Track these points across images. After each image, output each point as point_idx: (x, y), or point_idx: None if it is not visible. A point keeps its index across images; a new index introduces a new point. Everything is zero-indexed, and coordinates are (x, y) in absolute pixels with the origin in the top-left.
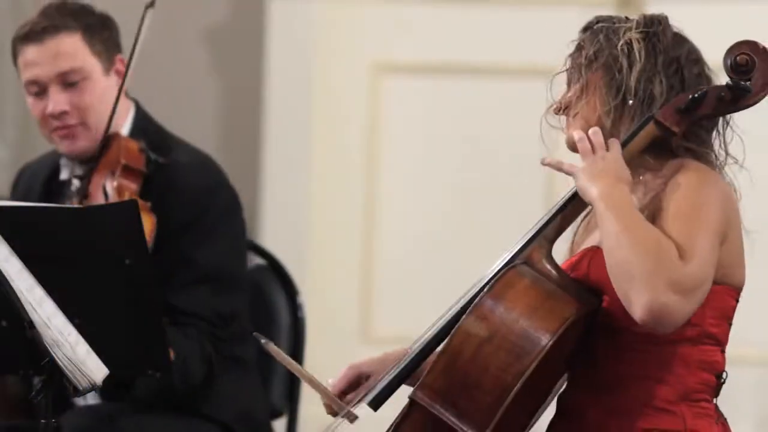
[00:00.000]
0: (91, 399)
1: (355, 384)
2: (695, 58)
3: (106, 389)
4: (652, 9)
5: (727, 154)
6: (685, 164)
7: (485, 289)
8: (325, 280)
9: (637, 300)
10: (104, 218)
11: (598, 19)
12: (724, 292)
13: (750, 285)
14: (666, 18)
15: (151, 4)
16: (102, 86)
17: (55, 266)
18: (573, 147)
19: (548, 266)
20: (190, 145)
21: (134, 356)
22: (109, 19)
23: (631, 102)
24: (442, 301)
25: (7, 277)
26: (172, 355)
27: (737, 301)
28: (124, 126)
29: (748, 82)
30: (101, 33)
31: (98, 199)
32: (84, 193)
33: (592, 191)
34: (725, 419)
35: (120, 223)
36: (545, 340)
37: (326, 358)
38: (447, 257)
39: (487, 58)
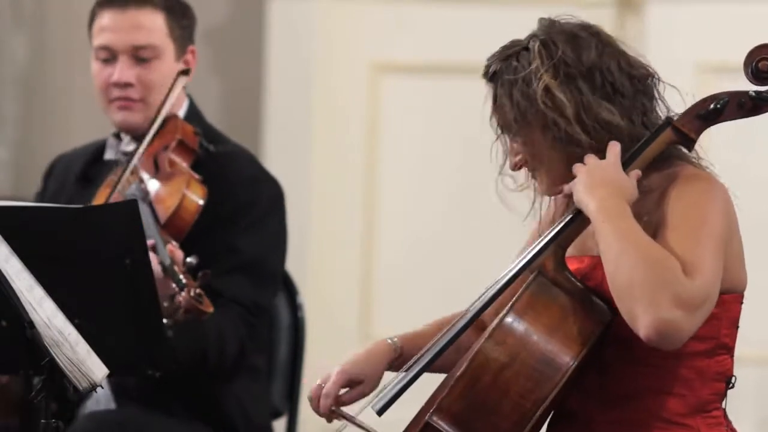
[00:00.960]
0: (105, 404)
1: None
2: (604, 48)
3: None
4: (652, 9)
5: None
6: (684, 171)
7: (503, 312)
8: (325, 280)
9: (642, 317)
10: (104, 218)
11: (496, 64)
12: (734, 300)
13: (750, 285)
14: (556, 26)
15: (185, 72)
16: (171, 69)
17: (55, 266)
18: (549, 194)
19: (562, 275)
20: (233, 141)
21: (134, 356)
22: (190, 8)
23: (582, 141)
24: (441, 301)
25: (7, 277)
26: (211, 309)
27: (742, 303)
28: (179, 113)
29: None
30: (181, 20)
31: (148, 170)
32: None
33: (589, 204)
34: (732, 424)
35: (120, 223)
36: (566, 365)
37: (326, 358)
38: (446, 257)
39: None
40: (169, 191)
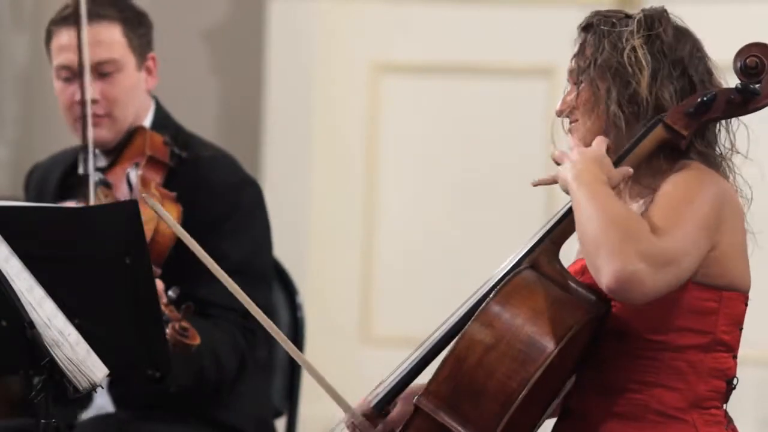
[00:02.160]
0: (105, 405)
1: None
2: (699, 55)
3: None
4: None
5: (732, 146)
6: (687, 164)
7: (491, 295)
8: (325, 280)
9: (606, 267)
10: (104, 218)
11: (598, 17)
12: (737, 299)
13: (753, 286)
14: (666, 13)
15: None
16: (133, 81)
17: (55, 266)
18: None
19: (555, 270)
20: (207, 141)
21: (134, 356)
22: (145, 15)
23: (640, 110)
24: (441, 300)
25: (7, 277)
26: (197, 341)
27: (746, 304)
28: (145, 120)
29: (757, 85)
30: (138, 28)
31: (121, 190)
32: (106, 183)
33: (567, 177)
34: (734, 425)
35: (120, 223)
36: (551, 347)
37: (326, 358)
38: (447, 257)
39: (487, 58)
40: (143, 216)
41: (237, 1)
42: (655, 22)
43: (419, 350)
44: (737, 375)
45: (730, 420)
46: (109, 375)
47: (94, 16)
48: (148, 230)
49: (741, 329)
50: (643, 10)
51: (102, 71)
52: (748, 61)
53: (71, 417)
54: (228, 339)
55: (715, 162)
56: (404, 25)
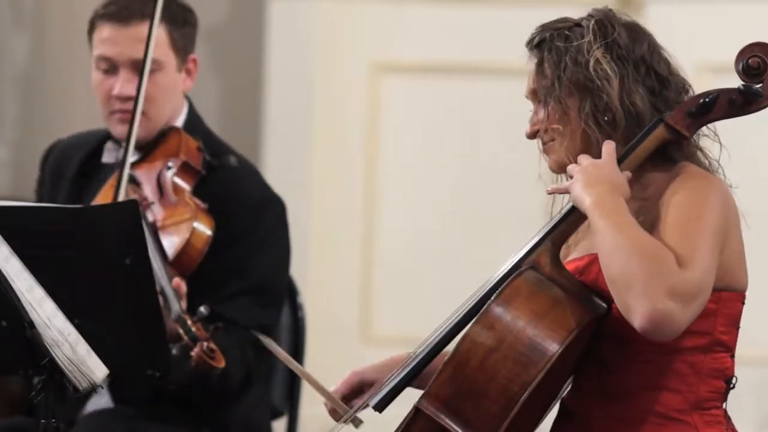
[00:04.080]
0: (105, 403)
1: (358, 390)
2: (655, 48)
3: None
4: (652, 9)
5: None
6: (685, 169)
7: (492, 297)
8: (325, 280)
9: (637, 308)
10: (104, 218)
11: (549, 32)
12: (735, 299)
13: (750, 285)
14: (613, 14)
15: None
16: (172, 81)
17: (55, 266)
18: (557, 170)
19: (556, 271)
20: (232, 149)
21: (134, 356)
22: (191, 13)
23: (616, 118)
24: (441, 300)
25: (7, 277)
26: (222, 364)
27: (744, 303)
28: (178, 121)
29: (759, 86)
30: (183, 28)
31: (149, 188)
32: (133, 180)
33: (585, 201)
34: (733, 424)
35: (120, 223)
36: (553, 349)
37: (326, 358)
38: (447, 257)
39: (487, 58)
40: (176, 226)
41: (237, 1)
42: (608, 26)
43: (420, 350)
44: (736, 374)
45: (729, 420)
46: (108, 375)
47: (140, 15)
48: (181, 240)
49: (738, 328)
50: (591, 16)
51: (141, 68)
52: (750, 61)
53: (71, 413)
54: (237, 352)
55: (701, 160)
56: (404, 25)
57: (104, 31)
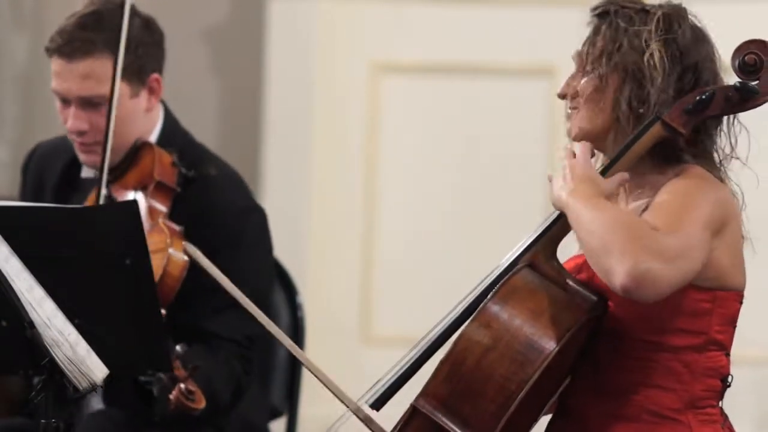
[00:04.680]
0: (97, 404)
1: None
2: (711, 59)
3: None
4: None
5: (733, 149)
6: (687, 168)
7: (489, 296)
8: (325, 280)
9: (618, 268)
10: (104, 218)
11: (615, 6)
12: (731, 298)
13: (750, 285)
14: (685, 12)
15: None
16: (126, 110)
17: (55, 266)
18: (574, 138)
19: (553, 268)
20: (214, 155)
21: (134, 356)
22: (149, 29)
23: (648, 110)
24: (441, 300)
25: (7, 277)
26: (202, 404)
27: (741, 303)
28: (153, 133)
29: (756, 83)
30: (136, 51)
31: None
32: (111, 199)
33: (562, 196)
34: (730, 422)
35: (120, 223)
36: (549, 348)
37: (326, 358)
38: (447, 257)
39: (487, 58)
40: (151, 255)
41: (237, 1)
42: (674, 22)
43: (417, 348)
44: (732, 373)
45: (726, 418)
46: (109, 375)
47: (83, 51)
48: (157, 268)
49: (735, 327)
50: (661, 7)
51: (93, 102)
52: (746, 58)
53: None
54: (224, 370)
55: (714, 166)
56: (404, 25)
57: (54, 64)
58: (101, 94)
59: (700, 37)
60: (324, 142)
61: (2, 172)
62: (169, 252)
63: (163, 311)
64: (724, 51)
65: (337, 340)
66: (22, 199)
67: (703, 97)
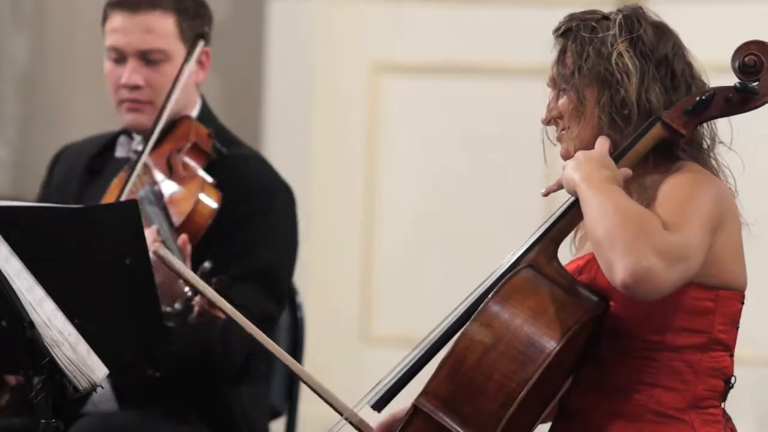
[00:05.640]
0: (106, 405)
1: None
2: (680, 50)
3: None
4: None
5: (715, 136)
6: (684, 166)
7: (490, 295)
8: (325, 280)
9: (620, 263)
10: (104, 218)
11: (576, 22)
12: (733, 297)
13: (750, 285)
14: (642, 10)
15: (202, 36)
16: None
17: (55, 266)
18: (568, 157)
19: (554, 269)
20: (244, 143)
21: (134, 356)
22: (204, 6)
23: (631, 113)
24: (441, 300)
25: (7, 277)
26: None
27: (743, 303)
28: (192, 113)
29: (756, 84)
30: (193, 20)
31: (162, 171)
32: (144, 165)
33: (575, 178)
34: (732, 423)
35: (120, 223)
36: (550, 347)
37: (326, 358)
38: (447, 257)
39: (487, 58)
40: (183, 195)
41: (237, 1)
42: (635, 22)
43: (418, 349)
44: (735, 374)
45: (728, 419)
46: (109, 375)
47: (149, 4)
48: (187, 207)
49: (737, 328)
50: (620, 11)
51: (150, 59)
52: (746, 59)
53: (75, 408)
54: (239, 333)
55: (707, 161)
56: (404, 25)
57: (115, 20)
58: (162, 49)
59: (663, 31)
60: (324, 142)
61: (2, 172)
62: (199, 195)
63: (188, 242)
64: (724, 51)
65: (337, 340)
66: (44, 194)
67: (703, 97)
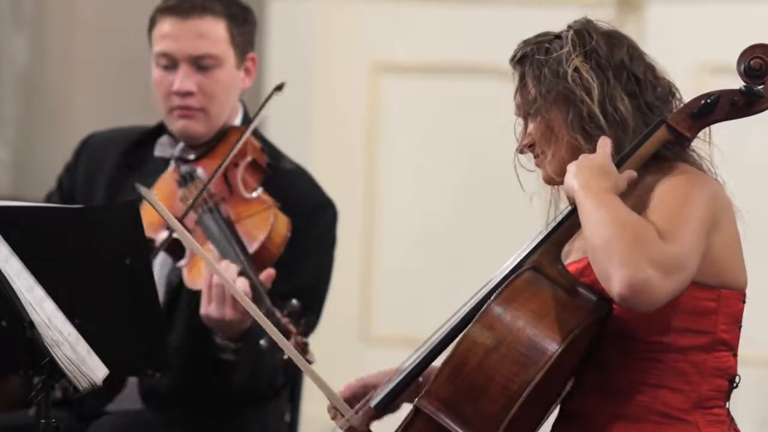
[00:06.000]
0: (132, 403)
1: (361, 396)
2: (636, 53)
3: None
4: (652, 9)
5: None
6: (676, 167)
7: (492, 297)
8: None
9: (617, 274)
10: (105, 218)
11: (530, 47)
12: (735, 297)
13: (750, 285)
14: (592, 24)
15: (280, 88)
16: (231, 77)
17: (55, 266)
18: (550, 181)
19: (557, 271)
20: (286, 155)
21: (134, 356)
22: (251, 13)
23: (602, 124)
24: (441, 301)
25: (7, 277)
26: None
27: (744, 302)
28: (235, 121)
29: (761, 87)
30: (243, 26)
31: (220, 191)
32: (194, 176)
33: (574, 186)
34: (736, 424)
35: (120, 223)
36: (552, 349)
37: (326, 358)
38: (447, 257)
39: (486, 58)
40: (256, 222)
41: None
42: (586, 35)
43: (420, 351)
44: (738, 374)
45: (732, 419)
46: (109, 375)
47: (200, 9)
48: (261, 236)
49: (740, 327)
50: (569, 27)
51: (202, 65)
52: (752, 62)
53: (99, 405)
54: (270, 357)
55: (699, 163)
56: (404, 25)
57: (164, 26)
58: (214, 54)
59: (615, 38)
60: (324, 142)
61: (2, 172)
62: (271, 219)
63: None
64: (728, 52)
65: (337, 340)
66: (69, 177)
67: (708, 101)
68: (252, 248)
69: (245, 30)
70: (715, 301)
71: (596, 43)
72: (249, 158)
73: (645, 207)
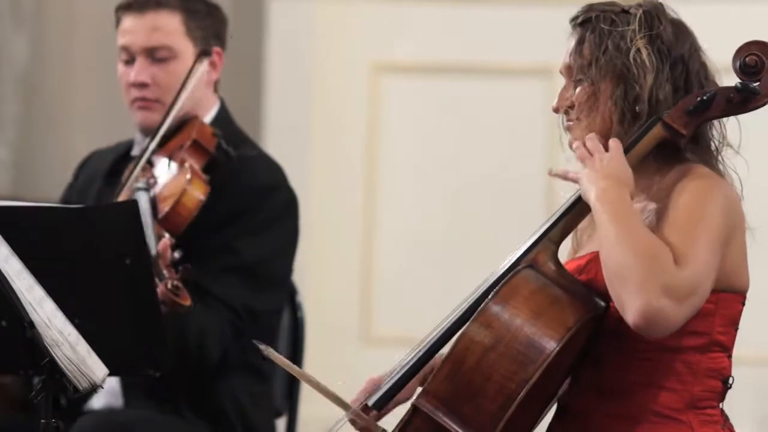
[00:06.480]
0: (113, 399)
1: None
2: (696, 50)
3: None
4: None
5: (724, 138)
6: (692, 169)
7: (490, 295)
8: (325, 280)
9: (631, 304)
10: (105, 218)
11: (595, 13)
12: (733, 299)
13: (750, 286)
14: (662, 8)
15: (202, 56)
16: (188, 70)
17: (55, 266)
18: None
19: (554, 269)
20: (260, 148)
21: (134, 356)
22: (217, 9)
23: (642, 110)
24: (441, 301)
25: (7, 277)
26: (188, 302)
27: (743, 304)
28: (206, 117)
29: (757, 84)
30: (203, 20)
31: (159, 168)
32: (149, 162)
33: (590, 194)
34: (731, 423)
35: (120, 223)
36: (550, 347)
37: (326, 359)
38: (447, 257)
39: (486, 58)
40: (170, 186)
41: (237, 1)
42: (655, 19)
43: (418, 349)
44: (733, 374)
45: (726, 419)
46: (109, 375)
47: (155, 4)
48: (172, 198)
49: (737, 328)
50: (640, 5)
51: (157, 57)
52: (747, 59)
53: (79, 403)
54: (216, 328)
55: (714, 163)
56: (404, 25)
57: (125, 22)
58: (167, 45)
59: (681, 30)
60: (324, 142)
61: (2, 172)
62: (186, 187)
63: (170, 240)
64: (725, 51)
65: (336, 340)
66: (66, 196)
67: (704, 98)
68: (162, 211)
69: (206, 24)
70: (713, 303)
71: (663, 30)
72: (191, 139)
73: (661, 215)
